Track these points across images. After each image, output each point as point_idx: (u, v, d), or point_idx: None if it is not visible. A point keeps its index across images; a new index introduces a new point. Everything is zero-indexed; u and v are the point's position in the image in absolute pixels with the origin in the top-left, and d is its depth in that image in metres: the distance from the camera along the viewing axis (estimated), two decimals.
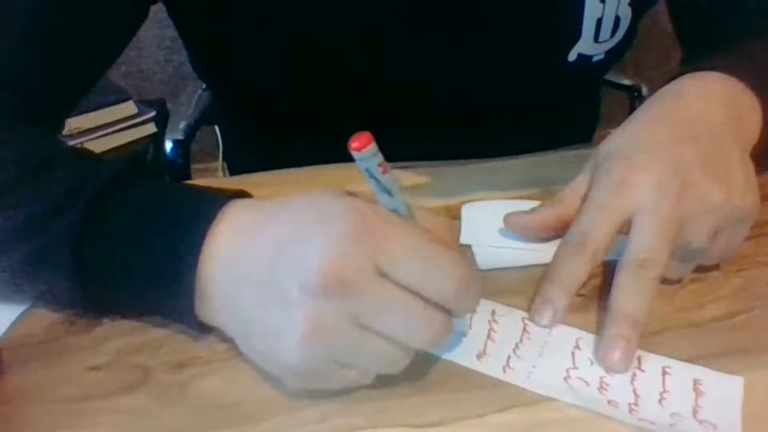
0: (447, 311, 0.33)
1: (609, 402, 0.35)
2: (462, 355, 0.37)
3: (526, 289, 0.42)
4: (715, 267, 0.43)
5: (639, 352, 0.37)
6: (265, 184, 0.49)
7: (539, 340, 0.38)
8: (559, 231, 0.43)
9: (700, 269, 0.43)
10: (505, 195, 0.51)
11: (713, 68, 0.46)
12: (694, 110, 0.44)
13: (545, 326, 0.39)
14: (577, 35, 0.54)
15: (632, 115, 0.45)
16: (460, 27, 0.54)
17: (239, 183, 0.42)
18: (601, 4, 0.53)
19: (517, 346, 0.38)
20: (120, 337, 0.39)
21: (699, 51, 0.56)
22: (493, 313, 0.40)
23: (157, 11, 0.55)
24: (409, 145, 0.54)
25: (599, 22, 0.54)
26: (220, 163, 1.03)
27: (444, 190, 0.52)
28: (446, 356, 0.37)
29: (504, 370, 0.36)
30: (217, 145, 0.93)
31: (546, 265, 0.44)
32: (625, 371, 0.36)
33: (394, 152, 0.55)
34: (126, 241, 0.36)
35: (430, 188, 0.53)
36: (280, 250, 0.33)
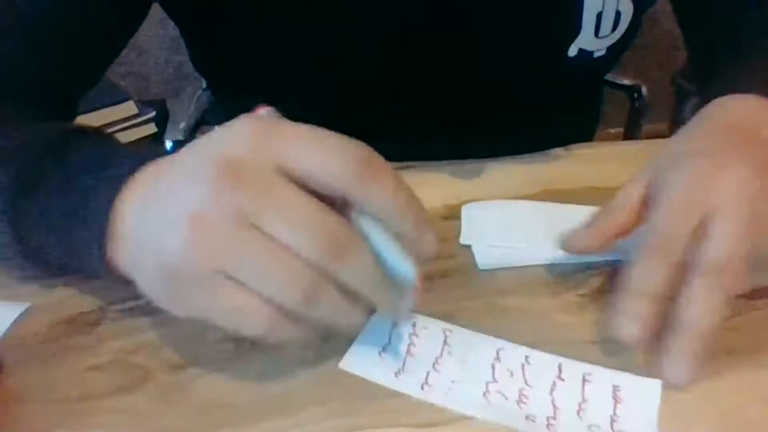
0: (345, 224, 0.30)
1: (527, 417, 0.34)
2: (380, 374, 0.36)
3: (526, 289, 0.42)
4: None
5: (560, 359, 0.37)
6: None
7: (460, 353, 0.37)
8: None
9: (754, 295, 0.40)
10: (505, 195, 0.51)
11: (746, 90, 0.44)
12: (751, 120, 0.42)
13: (633, 341, 0.35)
14: (577, 29, 0.54)
15: (687, 126, 0.43)
16: (459, 21, 0.54)
17: None
18: None
19: (437, 360, 0.37)
20: (120, 337, 0.39)
21: (710, 59, 0.56)
22: (414, 325, 0.39)
23: (158, 11, 0.55)
24: (408, 146, 0.54)
25: (600, 16, 0.54)
26: None
27: (444, 190, 0.52)
28: (364, 375, 0.36)
29: (422, 387, 0.35)
30: None
31: (545, 265, 0.44)
32: (685, 385, 0.35)
33: (394, 152, 0.55)
34: (50, 202, 0.38)
35: (431, 188, 0.53)
36: (179, 158, 0.33)
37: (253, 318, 0.31)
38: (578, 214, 0.43)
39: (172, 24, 0.57)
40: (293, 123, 0.31)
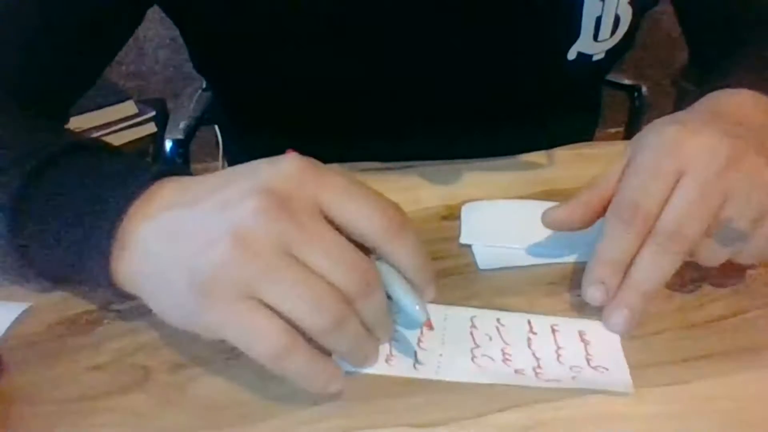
0: (372, 265, 0.33)
1: (516, 371, 0.36)
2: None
3: (526, 289, 0.42)
4: (749, 268, 0.42)
5: (528, 316, 0.40)
6: None
7: (438, 327, 0.39)
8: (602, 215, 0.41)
9: (734, 272, 0.42)
10: (505, 195, 0.51)
11: (739, 85, 0.45)
12: (737, 112, 0.43)
13: (598, 304, 0.39)
14: (576, 33, 0.54)
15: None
16: (458, 23, 0.54)
17: None
18: (600, 2, 0.53)
19: (419, 339, 0.38)
20: (120, 337, 0.39)
21: (711, 60, 0.56)
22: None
23: (158, 10, 0.55)
24: (408, 145, 0.54)
25: (598, 20, 0.54)
26: (220, 162, 1.03)
27: (444, 190, 0.52)
28: (356, 367, 0.36)
29: (414, 367, 0.37)
30: (217, 144, 0.93)
31: (545, 265, 0.44)
32: (626, 334, 0.38)
33: (394, 152, 0.56)
34: (52, 212, 0.37)
35: (430, 188, 0.53)
36: (214, 181, 0.34)
37: (270, 338, 0.31)
38: None
39: (172, 24, 0.57)
40: (336, 169, 0.34)
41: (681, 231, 0.37)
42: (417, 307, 0.35)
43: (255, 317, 0.31)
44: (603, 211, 0.41)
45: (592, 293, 0.39)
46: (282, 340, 0.31)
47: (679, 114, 0.43)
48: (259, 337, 0.31)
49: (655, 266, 0.37)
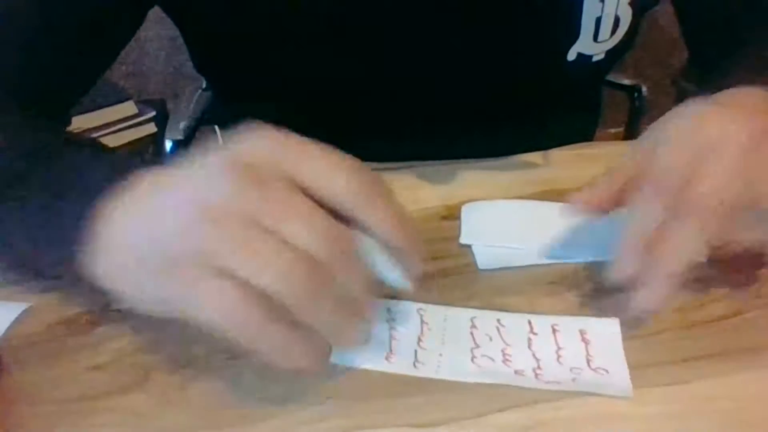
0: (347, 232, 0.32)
1: (516, 372, 0.36)
2: (370, 360, 0.37)
3: (526, 289, 0.42)
4: (759, 266, 0.42)
5: (528, 316, 0.39)
6: None
7: (438, 327, 0.39)
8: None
9: (739, 270, 0.41)
10: (505, 195, 0.51)
11: (738, 84, 0.44)
12: (745, 102, 0.42)
13: (628, 279, 0.37)
14: (576, 34, 0.54)
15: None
16: (458, 24, 0.54)
17: None
18: (600, 3, 0.52)
19: (419, 338, 0.38)
20: (120, 337, 0.39)
21: (711, 60, 0.56)
22: (389, 310, 0.40)
23: (158, 10, 0.55)
24: (408, 145, 0.54)
25: (598, 21, 0.53)
26: None
27: (444, 190, 0.52)
28: (355, 363, 0.37)
29: (414, 365, 0.37)
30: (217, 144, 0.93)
31: (545, 265, 0.44)
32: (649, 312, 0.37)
33: (394, 152, 0.56)
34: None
35: (430, 188, 0.53)
36: (195, 164, 0.33)
37: (241, 313, 0.30)
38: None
39: (172, 24, 0.57)
40: (306, 139, 0.32)
41: (708, 207, 0.35)
42: (395, 275, 0.33)
43: (225, 292, 0.30)
44: (623, 196, 0.40)
45: (619, 267, 0.37)
46: (256, 313, 0.30)
47: (694, 103, 0.42)
48: (230, 313, 0.30)
49: (680, 243, 0.36)
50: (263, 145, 0.32)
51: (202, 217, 0.30)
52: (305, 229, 0.30)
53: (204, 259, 0.30)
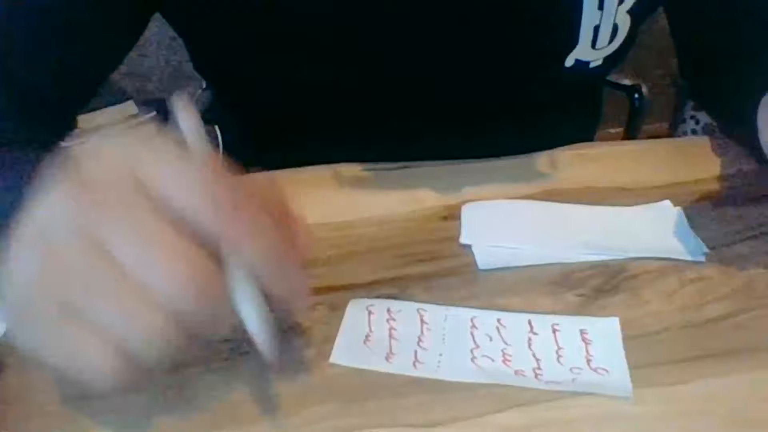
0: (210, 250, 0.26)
1: (516, 372, 0.36)
2: (370, 360, 0.37)
3: (526, 289, 0.42)
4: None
5: (528, 316, 0.40)
6: None
7: (438, 327, 0.39)
8: None
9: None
10: (505, 195, 0.51)
11: None
12: None
13: None
14: (574, 41, 0.54)
15: None
16: (457, 30, 0.54)
17: None
18: (599, 12, 0.53)
19: (420, 339, 0.39)
20: None
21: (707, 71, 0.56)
22: (389, 310, 0.40)
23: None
24: (408, 145, 0.54)
25: (597, 29, 0.54)
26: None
27: (444, 190, 0.52)
28: (354, 364, 0.37)
29: (414, 366, 0.37)
30: (217, 145, 0.93)
31: (545, 265, 0.44)
32: None
33: (394, 152, 0.55)
34: None
35: (430, 188, 0.53)
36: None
37: (96, 360, 0.26)
38: (578, 213, 0.43)
39: None
40: (153, 144, 0.28)
41: None
42: (260, 338, 0.27)
43: (76, 337, 0.26)
44: None
45: None
46: (109, 359, 0.26)
47: None
48: (87, 360, 0.26)
49: None
50: (109, 159, 0.27)
51: (43, 258, 0.26)
52: (148, 260, 0.25)
53: (45, 301, 0.26)
